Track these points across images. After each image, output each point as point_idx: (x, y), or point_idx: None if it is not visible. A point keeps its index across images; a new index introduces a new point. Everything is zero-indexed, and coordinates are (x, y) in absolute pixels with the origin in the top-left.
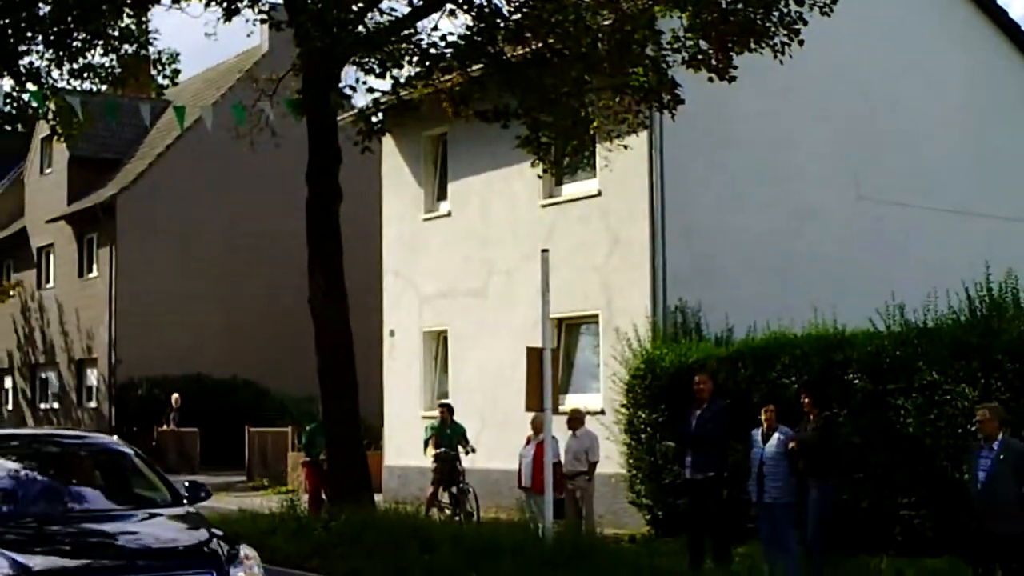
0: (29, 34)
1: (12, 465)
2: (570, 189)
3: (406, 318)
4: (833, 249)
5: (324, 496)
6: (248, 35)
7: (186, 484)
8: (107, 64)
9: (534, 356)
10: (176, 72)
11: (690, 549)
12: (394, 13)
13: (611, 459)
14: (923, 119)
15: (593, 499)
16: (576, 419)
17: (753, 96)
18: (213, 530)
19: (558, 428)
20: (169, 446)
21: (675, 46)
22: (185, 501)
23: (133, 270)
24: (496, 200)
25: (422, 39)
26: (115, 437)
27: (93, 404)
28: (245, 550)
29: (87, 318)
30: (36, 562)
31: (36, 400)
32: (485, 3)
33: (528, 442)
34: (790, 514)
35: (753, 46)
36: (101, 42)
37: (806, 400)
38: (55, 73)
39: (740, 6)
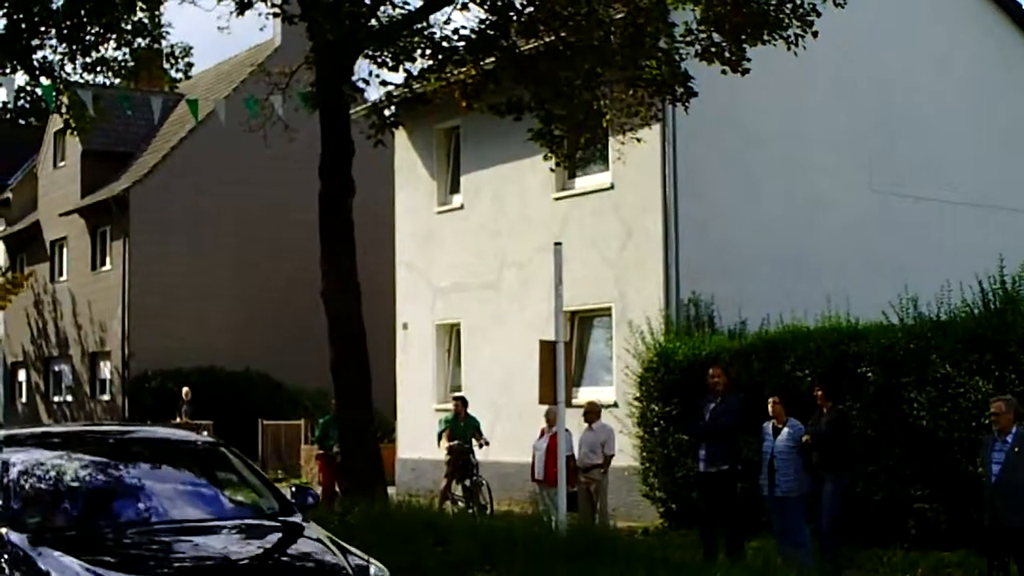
0: (43, 28)
1: (101, 467)
2: (583, 182)
3: (419, 311)
4: (847, 241)
5: (338, 489)
6: (261, 29)
7: (292, 489)
8: (120, 58)
9: (547, 349)
10: (189, 66)
11: (703, 542)
12: (407, 6)
13: (624, 452)
14: (937, 110)
15: (607, 492)
16: (592, 412)
17: (766, 88)
18: (349, 548)
19: (572, 421)
20: None
21: (688, 38)
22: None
23: (146, 263)
24: (509, 193)
25: (435, 32)
26: (204, 433)
27: (106, 397)
28: (375, 568)
29: (100, 311)
30: None
31: (49, 393)
32: None
33: (542, 435)
34: (802, 507)
35: (766, 38)
36: (114, 36)
37: (819, 393)
38: (68, 67)
39: None
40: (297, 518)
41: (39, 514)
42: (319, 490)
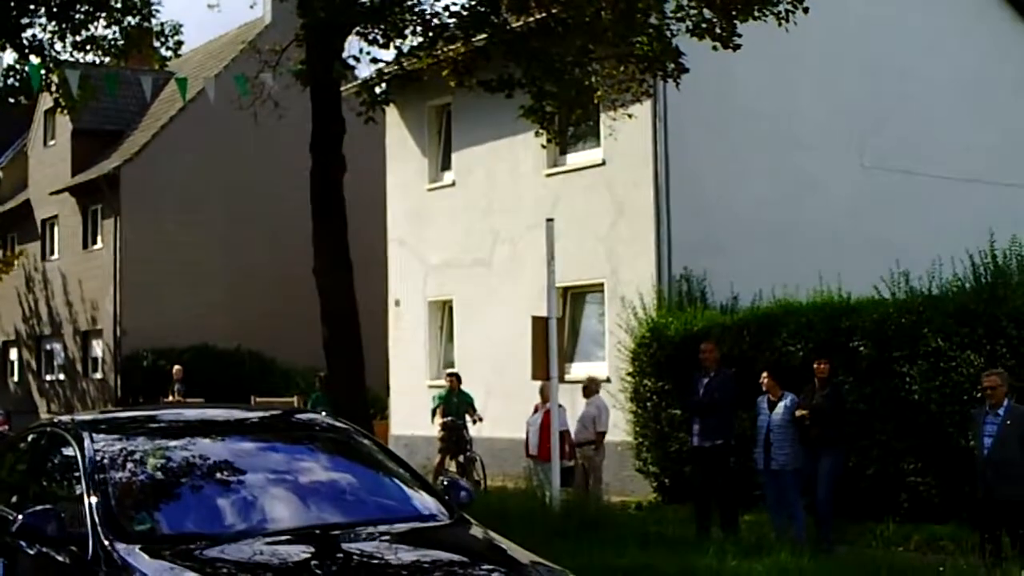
0: (32, 6)
1: (214, 461)
2: (574, 159)
3: (411, 288)
4: (838, 217)
5: None
6: (251, 6)
7: (444, 482)
8: (110, 36)
9: (540, 325)
10: (179, 44)
11: (697, 517)
12: None
13: (618, 427)
14: (927, 87)
15: (601, 468)
16: (589, 387)
17: (758, 65)
18: (535, 559)
19: (565, 397)
20: None
21: (679, 15)
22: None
23: (137, 241)
24: (500, 170)
25: (425, 9)
26: (322, 413)
27: (99, 375)
28: None
29: (92, 289)
30: None
31: (42, 372)
32: None
33: (536, 410)
34: (797, 481)
35: (757, 14)
36: (104, 14)
37: (823, 366)
38: (58, 46)
39: None
40: (455, 517)
41: (147, 519)
42: None
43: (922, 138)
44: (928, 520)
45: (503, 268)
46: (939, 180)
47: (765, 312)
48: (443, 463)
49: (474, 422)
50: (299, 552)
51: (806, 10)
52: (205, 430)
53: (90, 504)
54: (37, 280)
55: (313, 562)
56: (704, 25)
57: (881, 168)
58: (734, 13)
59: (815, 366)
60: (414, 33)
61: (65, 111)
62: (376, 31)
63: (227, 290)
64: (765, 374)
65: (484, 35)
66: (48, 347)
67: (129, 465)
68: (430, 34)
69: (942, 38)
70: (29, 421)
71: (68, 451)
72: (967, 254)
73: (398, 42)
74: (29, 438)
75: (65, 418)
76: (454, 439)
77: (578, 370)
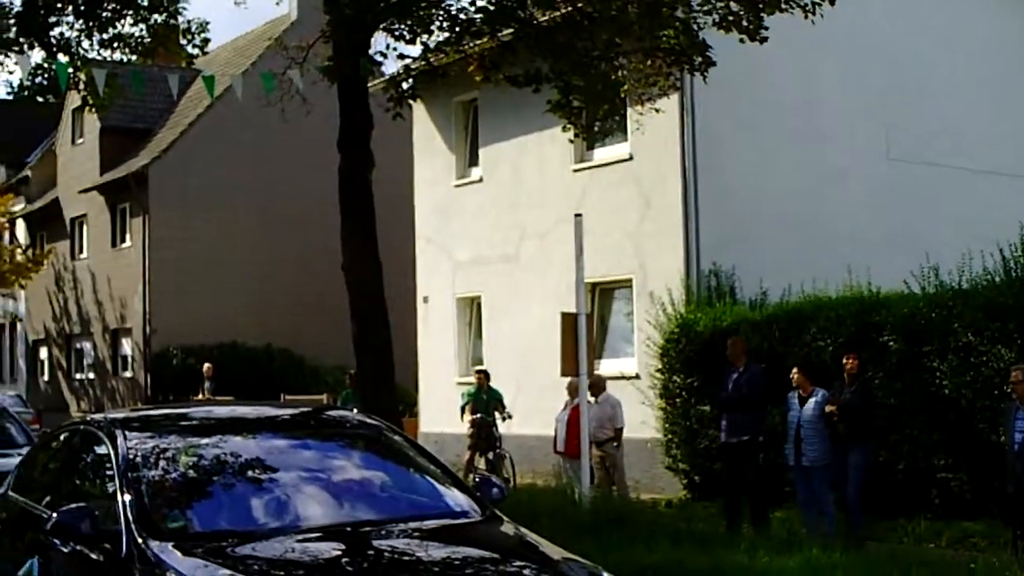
0: (59, 5)
1: (248, 459)
2: (602, 153)
3: (440, 284)
4: (866, 210)
5: None
6: (277, 3)
7: (476, 479)
8: (137, 34)
9: (568, 321)
10: (206, 41)
11: (726, 513)
12: None
13: (647, 424)
14: (954, 79)
15: (624, 465)
16: (596, 385)
17: (784, 57)
18: (568, 554)
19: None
20: None
21: (706, 7)
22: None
23: (166, 239)
24: (528, 165)
25: (451, 4)
26: (355, 411)
27: (128, 373)
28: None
29: (121, 288)
30: None
31: (71, 370)
32: None
33: (565, 407)
34: (828, 477)
35: (784, 6)
36: (131, 12)
37: (852, 362)
38: (85, 44)
39: None
40: (486, 514)
41: (180, 517)
42: None
43: (949, 131)
44: (959, 516)
45: (531, 264)
46: (967, 172)
47: (794, 307)
48: (472, 460)
49: (503, 419)
50: (330, 549)
51: (832, 2)
52: (236, 428)
53: (123, 502)
54: (66, 279)
55: (344, 559)
56: (731, 18)
57: (909, 160)
58: (761, 6)
59: (844, 362)
60: (440, 28)
61: (93, 109)
62: (402, 27)
63: (256, 287)
64: (796, 369)
65: (510, 30)
66: (78, 346)
67: (162, 463)
68: (456, 29)
69: (967, 30)
70: (59, 420)
71: (101, 449)
72: (997, 247)
73: (424, 37)
74: (62, 436)
75: (98, 416)
76: (483, 436)
77: (607, 366)
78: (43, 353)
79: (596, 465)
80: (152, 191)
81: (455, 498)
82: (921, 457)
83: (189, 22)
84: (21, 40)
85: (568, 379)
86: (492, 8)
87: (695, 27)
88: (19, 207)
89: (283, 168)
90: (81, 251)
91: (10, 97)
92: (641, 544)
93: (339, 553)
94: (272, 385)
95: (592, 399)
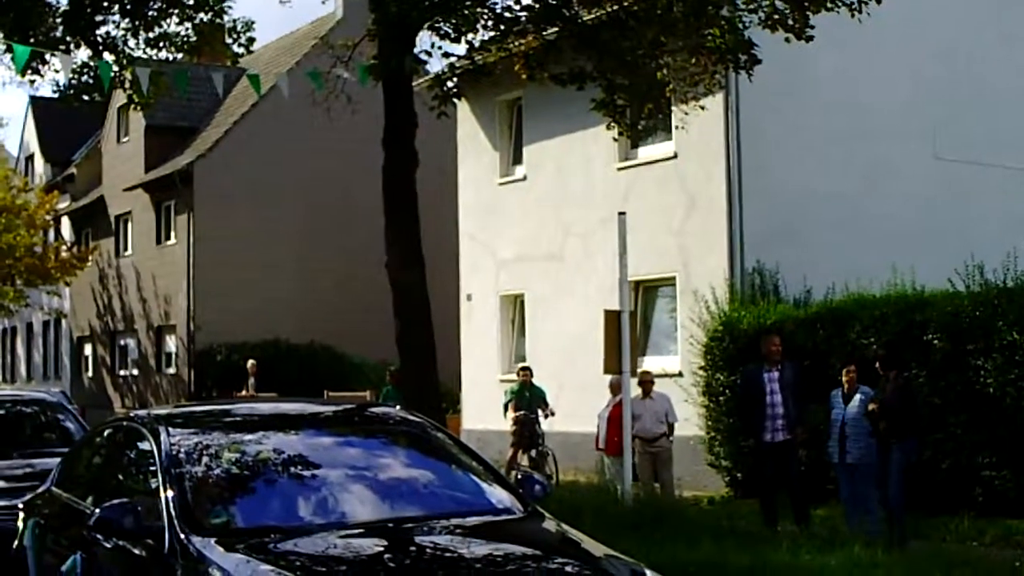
0: (105, 3)
1: (290, 455)
2: (646, 152)
3: (483, 282)
4: (911, 209)
5: None
6: (323, 2)
7: (518, 476)
8: (183, 33)
9: (612, 319)
10: (251, 40)
11: (763, 510)
12: None
13: (690, 421)
14: (1000, 77)
15: (672, 461)
16: (647, 382)
17: (830, 56)
18: (609, 552)
19: (637, 391)
20: None
21: (751, 6)
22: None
23: (210, 237)
24: (572, 164)
25: (496, 3)
26: (398, 408)
27: (172, 370)
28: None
29: (165, 285)
30: None
31: (116, 367)
32: None
33: (608, 404)
34: (872, 475)
35: (830, 5)
36: (176, 11)
37: (850, 375)
38: (131, 43)
39: None
40: (528, 511)
41: (222, 512)
42: None
43: (995, 128)
44: (1003, 514)
45: (574, 262)
46: (1013, 171)
47: (838, 305)
48: (515, 457)
49: (546, 416)
50: (372, 545)
51: (879, 0)
52: (279, 424)
53: (166, 498)
54: (111, 276)
55: (386, 555)
56: (776, 16)
57: (954, 159)
58: (806, 4)
59: (843, 374)
60: (485, 27)
61: (138, 108)
62: (447, 25)
63: (299, 285)
64: (851, 368)
65: (555, 28)
66: (122, 342)
67: (204, 459)
68: (501, 28)
69: (1016, 27)
70: (103, 416)
71: (144, 445)
72: None
73: (469, 36)
74: (106, 432)
75: (141, 413)
76: (526, 433)
77: (650, 364)
78: (87, 350)
79: (643, 462)
80: (197, 189)
81: (497, 495)
82: (965, 455)
83: (234, 21)
84: (67, 39)
85: (610, 376)
86: (537, 6)
87: (741, 26)
88: (64, 204)
89: (327, 166)
90: (126, 248)
91: (55, 95)
92: (684, 542)
93: (381, 549)
94: (315, 382)
95: (644, 395)
